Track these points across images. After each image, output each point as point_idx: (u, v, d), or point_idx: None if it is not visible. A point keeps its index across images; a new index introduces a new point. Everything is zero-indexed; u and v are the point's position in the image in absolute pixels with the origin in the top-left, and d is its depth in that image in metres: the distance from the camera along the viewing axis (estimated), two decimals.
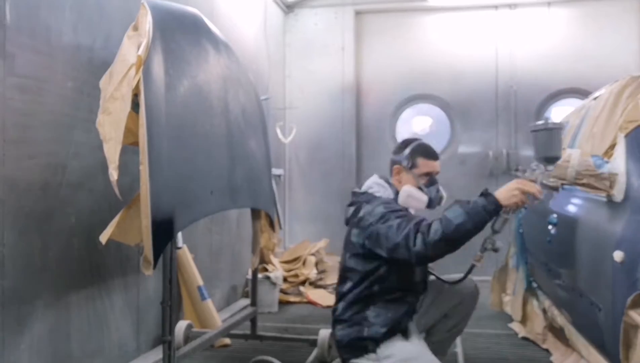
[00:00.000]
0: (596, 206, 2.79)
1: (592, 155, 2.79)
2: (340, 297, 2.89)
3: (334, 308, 2.92)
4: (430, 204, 2.89)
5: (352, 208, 2.88)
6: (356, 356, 2.78)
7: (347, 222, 2.90)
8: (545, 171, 2.61)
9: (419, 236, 2.48)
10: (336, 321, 2.88)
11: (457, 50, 6.78)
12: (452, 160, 6.75)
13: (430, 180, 2.89)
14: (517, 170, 2.74)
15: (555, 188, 2.74)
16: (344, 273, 2.88)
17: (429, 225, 2.48)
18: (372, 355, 2.74)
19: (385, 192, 2.86)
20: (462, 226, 2.44)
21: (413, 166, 2.87)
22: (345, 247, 2.90)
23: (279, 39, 6.80)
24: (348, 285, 2.84)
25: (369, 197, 2.83)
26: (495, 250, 2.64)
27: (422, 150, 2.90)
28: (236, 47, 3.74)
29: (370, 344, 2.74)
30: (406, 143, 2.95)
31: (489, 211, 2.47)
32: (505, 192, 2.52)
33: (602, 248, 2.50)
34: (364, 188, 2.94)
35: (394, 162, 2.92)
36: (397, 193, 2.86)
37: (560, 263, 3.26)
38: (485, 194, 2.51)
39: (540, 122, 2.65)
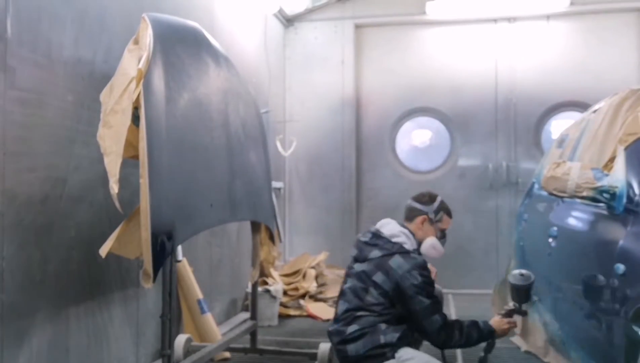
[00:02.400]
0: (596, 219, 2.79)
1: (592, 168, 2.79)
2: (351, 319, 2.97)
3: (339, 329, 2.99)
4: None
5: (375, 251, 3.05)
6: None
7: (365, 259, 3.07)
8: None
9: (446, 341, 3.04)
10: (346, 341, 2.94)
11: (456, 63, 6.80)
12: (452, 173, 6.76)
13: (443, 234, 3.27)
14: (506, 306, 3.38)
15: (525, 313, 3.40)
16: (363, 306, 2.97)
17: (451, 333, 3.01)
18: (392, 361, 2.83)
19: (411, 243, 3.11)
20: (467, 346, 3.17)
21: (438, 220, 3.22)
22: (363, 281, 3.01)
23: (279, 52, 6.82)
24: (366, 316, 2.95)
25: (399, 249, 3.04)
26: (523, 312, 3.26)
27: (447, 208, 3.28)
28: (236, 60, 3.75)
29: (389, 350, 2.85)
30: (432, 197, 3.27)
31: (488, 337, 3.17)
32: (501, 328, 3.16)
33: (603, 261, 2.50)
34: (387, 234, 3.10)
35: (420, 211, 3.20)
36: (419, 243, 3.17)
37: (560, 276, 3.25)
38: (491, 330, 3.13)
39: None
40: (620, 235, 2.41)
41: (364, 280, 3.01)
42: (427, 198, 3.26)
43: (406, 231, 3.13)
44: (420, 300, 2.92)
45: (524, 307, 3.24)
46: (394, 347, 2.86)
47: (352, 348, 2.92)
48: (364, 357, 2.88)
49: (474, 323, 3.12)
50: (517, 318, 3.32)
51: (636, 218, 2.39)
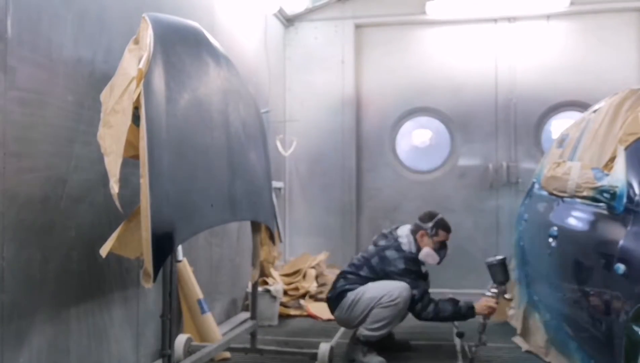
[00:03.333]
0: (596, 218, 2.79)
1: (592, 167, 2.79)
2: (341, 277, 4.22)
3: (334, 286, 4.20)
4: (439, 262, 4.19)
5: (383, 241, 4.22)
6: None
7: (375, 244, 4.25)
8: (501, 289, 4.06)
9: (419, 304, 3.98)
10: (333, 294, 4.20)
11: (456, 63, 6.79)
12: (452, 172, 6.75)
13: (442, 245, 4.20)
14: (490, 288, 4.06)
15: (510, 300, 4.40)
16: (355, 272, 4.17)
17: (427, 305, 3.98)
18: (358, 290, 4.07)
19: (409, 246, 4.13)
20: (444, 318, 4.08)
21: (435, 235, 4.15)
22: (365, 259, 4.19)
23: (279, 52, 6.82)
24: (354, 279, 4.15)
25: (397, 246, 4.14)
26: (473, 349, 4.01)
27: (444, 225, 4.19)
28: (236, 60, 3.75)
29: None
30: (431, 216, 4.22)
31: (465, 318, 4.06)
32: (482, 307, 4.01)
33: (603, 261, 2.50)
34: (398, 233, 4.23)
35: (420, 227, 4.18)
36: (418, 249, 4.14)
37: (560, 276, 3.25)
38: (470, 308, 4.01)
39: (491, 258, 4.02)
40: (620, 235, 2.41)
41: (365, 259, 4.16)
42: (427, 217, 4.22)
43: (411, 237, 4.16)
44: (400, 278, 3.97)
45: (505, 288, 4.01)
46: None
47: (331, 294, 4.16)
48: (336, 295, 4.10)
49: (452, 300, 4.05)
50: (503, 301, 4.11)
51: (636, 218, 2.39)
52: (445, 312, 3.96)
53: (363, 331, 3.94)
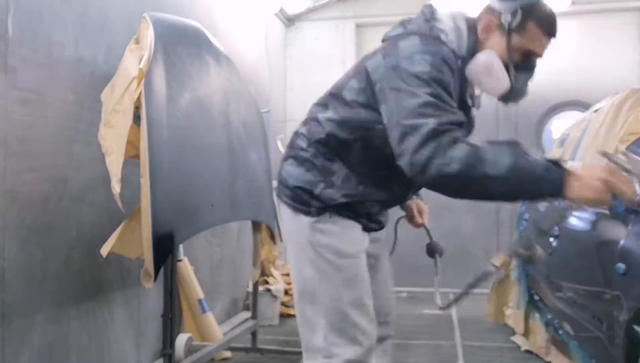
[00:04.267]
0: (597, 218, 2.79)
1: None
2: (312, 123, 2.09)
3: (291, 139, 2.20)
4: (509, 97, 2.04)
5: (400, 29, 2.06)
6: (293, 203, 2.02)
7: (383, 40, 2.12)
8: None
9: (431, 145, 1.67)
10: (292, 156, 2.10)
11: None
12: None
13: (528, 62, 1.96)
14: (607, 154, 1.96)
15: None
16: (330, 99, 2.12)
17: (454, 143, 1.67)
18: (306, 219, 1.98)
19: (456, 40, 1.91)
20: (494, 183, 1.65)
21: (518, 29, 1.88)
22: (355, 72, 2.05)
23: (280, 52, 6.82)
24: (330, 114, 2.03)
25: (422, 35, 1.89)
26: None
27: (542, 14, 1.90)
28: (237, 60, 3.76)
29: (314, 206, 1.97)
30: None
31: (545, 191, 1.67)
32: (584, 180, 1.64)
33: (604, 260, 2.50)
34: (427, 14, 2.01)
35: (488, 10, 1.94)
36: (474, 49, 1.92)
37: (561, 275, 3.24)
38: (557, 166, 1.68)
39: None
40: (621, 234, 2.41)
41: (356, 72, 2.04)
42: None
43: (462, 22, 1.96)
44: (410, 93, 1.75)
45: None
46: (324, 210, 1.98)
47: (287, 169, 2.13)
48: (290, 188, 2.06)
49: (512, 143, 1.72)
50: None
51: (637, 217, 2.38)
52: (495, 164, 1.64)
53: None
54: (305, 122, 2.15)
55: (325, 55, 6.95)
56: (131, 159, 2.67)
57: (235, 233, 5.10)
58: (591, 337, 2.78)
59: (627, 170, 1.73)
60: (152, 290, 3.40)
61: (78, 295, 2.92)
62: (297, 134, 2.15)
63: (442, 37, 1.88)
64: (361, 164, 1.97)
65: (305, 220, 1.98)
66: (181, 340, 3.63)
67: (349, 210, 1.99)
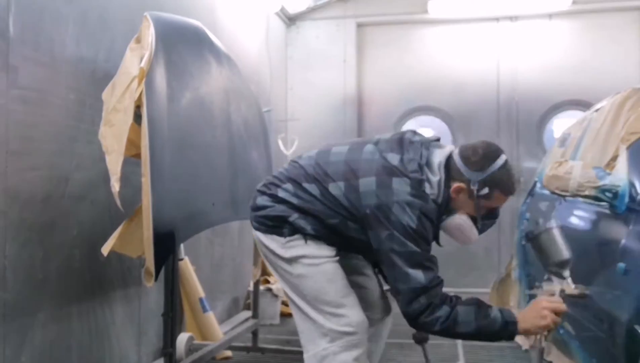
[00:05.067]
0: (598, 218, 2.79)
1: (594, 167, 2.79)
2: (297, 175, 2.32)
3: (271, 182, 2.38)
4: (467, 243, 2.38)
5: (393, 155, 2.22)
6: (267, 228, 2.32)
7: (376, 143, 2.31)
8: (563, 281, 2.21)
9: (421, 302, 2.09)
10: (261, 192, 2.37)
11: (458, 62, 6.79)
12: None
13: (490, 213, 2.30)
14: (534, 287, 2.51)
15: (583, 296, 2.32)
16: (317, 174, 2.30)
17: (440, 304, 2.09)
18: (280, 239, 2.30)
19: (437, 191, 2.18)
20: (464, 335, 2.15)
21: (485, 197, 2.19)
22: (353, 169, 2.24)
23: (281, 51, 6.82)
24: (313, 188, 2.27)
25: (414, 181, 2.14)
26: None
27: (506, 182, 2.19)
28: (238, 59, 3.76)
29: (288, 228, 2.27)
30: (488, 158, 2.19)
31: (501, 337, 2.14)
32: (532, 319, 2.10)
33: (605, 260, 2.50)
34: (431, 155, 2.23)
35: (461, 176, 2.20)
36: (446, 205, 2.22)
37: None
38: (510, 322, 2.08)
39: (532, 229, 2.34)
40: (622, 234, 2.41)
41: (321, 169, 2.30)
42: (480, 158, 2.18)
43: (438, 176, 2.19)
44: (387, 242, 2.14)
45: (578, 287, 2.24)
46: (298, 232, 2.28)
47: (259, 200, 2.40)
48: (263, 213, 2.35)
49: (477, 303, 2.12)
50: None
51: (638, 217, 2.38)
52: (466, 325, 2.09)
53: None
54: (288, 180, 2.35)
55: (326, 54, 6.95)
56: (132, 158, 2.67)
57: (236, 233, 5.10)
58: (592, 337, 2.78)
59: (550, 294, 2.19)
60: (153, 289, 3.40)
61: (79, 294, 2.92)
62: (277, 182, 2.37)
63: (428, 190, 2.18)
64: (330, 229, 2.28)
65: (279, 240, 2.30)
66: (182, 339, 3.64)
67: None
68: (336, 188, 2.24)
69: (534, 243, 2.31)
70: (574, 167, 2.79)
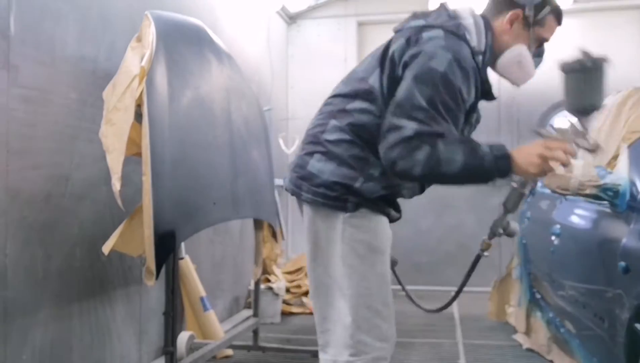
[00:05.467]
0: (599, 217, 2.79)
1: (595, 165, 2.78)
2: (340, 115, 2.01)
3: (314, 133, 2.09)
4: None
5: (420, 21, 2.01)
6: (324, 199, 1.95)
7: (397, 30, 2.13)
8: (580, 129, 2.00)
9: (399, 149, 1.80)
10: (319, 152, 2.00)
11: None
12: None
13: (541, 49, 2.15)
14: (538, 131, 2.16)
15: (594, 150, 2.06)
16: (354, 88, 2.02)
17: (419, 147, 1.78)
18: (340, 214, 1.94)
19: (476, 36, 1.96)
20: (450, 177, 1.84)
21: (539, 23, 2.04)
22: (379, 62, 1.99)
23: (282, 50, 6.82)
24: (358, 104, 1.97)
25: (447, 30, 1.90)
26: (510, 234, 2.15)
27: (556, 6, 2.10)
28: (239, 58, 3.76)
29: (351, 201, 1.92)
30: None
31: (494, 177, 1.84)
32: (523, 158, 1.83)
33: (606, 259, 2.50)
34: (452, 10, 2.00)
35: (511, 3, 2.00)
36: (490, 46, 2.01)
37: (563, 274, 3.24)
38: (500, 156, 1.81)
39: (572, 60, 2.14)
40: (623, 233, 2.41)
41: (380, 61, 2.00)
42: None
43: (480, 21, 1.99)
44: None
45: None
46: (364, 204, 1.95)
47: (317, 165, 2.02)
48: (324, 186, 1.96)
49: (468, 141, 1.86)
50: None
51: (639, 216, 2.38)
52: (450, 163, 1.78)
53: None
54: (330, 115, 2.05)
55: (327, 53, 6.94)
56: (133, 156, 2.67)
57: (237, 231, 5.10)
58: (593, 336, 2.78)
59: (560, 141, 1.91)
60: (154, 288, 3.41)
61: (80, 293, 2.93)
62: (320, 128, 2.06)
63: (466, 35, 1.92)
64: None
65: (339, 215, 1.94)
66: (183, 338, 3.64)
67: (385, 201, 1.98)
68: (375, 80, 1.95)
69: (574, 74, 2.24)
70: (574, 166, 2.79)
